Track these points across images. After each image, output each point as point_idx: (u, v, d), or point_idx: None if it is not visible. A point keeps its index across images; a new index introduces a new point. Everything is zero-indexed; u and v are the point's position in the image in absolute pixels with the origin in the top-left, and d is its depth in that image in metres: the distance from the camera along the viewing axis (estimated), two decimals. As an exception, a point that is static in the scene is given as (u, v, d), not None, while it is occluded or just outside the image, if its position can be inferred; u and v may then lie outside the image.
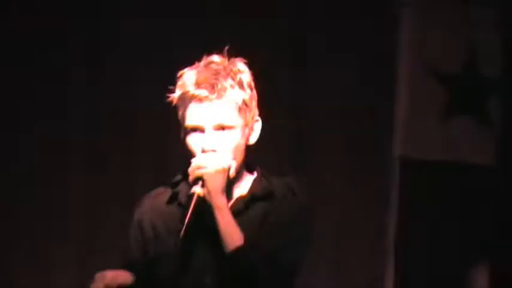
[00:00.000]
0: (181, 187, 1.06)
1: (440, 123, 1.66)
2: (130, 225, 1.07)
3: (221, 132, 1.06)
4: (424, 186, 1.81)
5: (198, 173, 1.03)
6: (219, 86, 1.05)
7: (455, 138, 1.72)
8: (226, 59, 1.08)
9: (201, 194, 1.00)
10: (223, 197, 1.02)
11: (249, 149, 1.09)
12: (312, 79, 1.85)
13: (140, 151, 1.87)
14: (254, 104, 1.09)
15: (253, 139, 1.10)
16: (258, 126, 1.09)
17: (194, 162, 1.05)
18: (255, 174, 1.10)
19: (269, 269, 0.94)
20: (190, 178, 1.03)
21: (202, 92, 1.05)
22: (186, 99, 1.06)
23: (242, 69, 1.08)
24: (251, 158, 1.10)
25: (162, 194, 1.09)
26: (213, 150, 1.04)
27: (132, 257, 1.01)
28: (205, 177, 1.02)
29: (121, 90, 1.83)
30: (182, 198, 1.04)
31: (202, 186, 1.01)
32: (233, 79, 1.07)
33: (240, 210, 1.04)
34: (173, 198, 1.06)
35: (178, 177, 1.08)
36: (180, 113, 1.07)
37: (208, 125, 1.06)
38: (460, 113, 1.71)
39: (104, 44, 1.86)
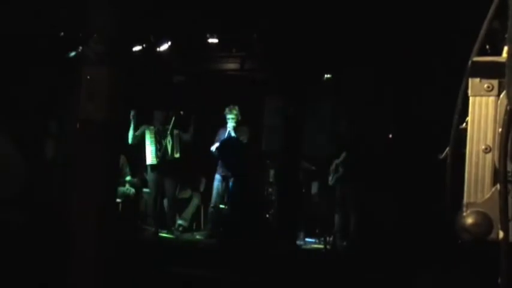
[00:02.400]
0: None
1: None
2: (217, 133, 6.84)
3: (233, 119, 6.60)
4: None
5: (229, 126, 6.33)
6: (232, 110, 6.54)
7: None
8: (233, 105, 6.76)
9: (230, 129, 6.36)
10: (233, 130, 6.31)
11: (238, 121, 6.65)
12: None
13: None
14: (239, 113, 6.66)
15: (239, 119, 6.53)
16: (240, 117, 6.34)
17: (228, 124, 6.33)
18: (239, 126, 6.60)
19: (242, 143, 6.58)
20: (228, 127, 6.37)
21: (228, 111, 6.55)
22: (227, 112, 6.60)
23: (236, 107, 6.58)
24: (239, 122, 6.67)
25: (222, 128, 6.45)
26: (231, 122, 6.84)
27: (217, 139, 6.40)
28: (230, 126, 6.26)
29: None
30: (227, 129, 6.73)
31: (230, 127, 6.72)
32: (235, 109, 6.48)
33: (236, 132, 6.33)
34: (225, 130, 6.49)
35: (226, 126, 6.82)
36: (226, 115, 6.61)
37: (230, 117, 6.57)
38: None
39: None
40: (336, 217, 6.71)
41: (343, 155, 6.74)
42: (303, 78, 7.00)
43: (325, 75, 7.32)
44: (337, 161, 6.79)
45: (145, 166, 6.67)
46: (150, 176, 6.63)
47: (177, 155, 6.76)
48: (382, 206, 6.28)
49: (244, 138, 6.64)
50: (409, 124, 6.65)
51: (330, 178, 6.88)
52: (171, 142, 6.59)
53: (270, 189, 7.22)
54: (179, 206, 7.13)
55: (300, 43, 6.42)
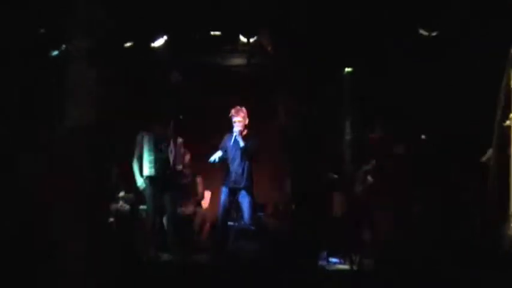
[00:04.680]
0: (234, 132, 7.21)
1: None
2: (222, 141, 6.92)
3: (240, 122, 6.71)
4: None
5: (235, 130, 6.52)
6: (240, 113, 6.69)
7: None
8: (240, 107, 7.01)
9: (236, 134, 6.51)
10: (240, 135, 6.44)
11: (245, 125, 6.81)
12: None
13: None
14: (246, 115, 6.93)
15: (246, 123, 6.69)
16: (247, 120, 6.70)
17: (234, 128, 6.51)
18: (247, 130, 6.58)
19: (249, 149, 6.27)
20: (234, 132, 6.54)
21: (235, 114, 6.73)
22: (232, 115, 6.85)
23: (243, 109, 6.96)
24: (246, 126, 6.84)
25: (228, 134, 6.58)
26: (238, 126, 6.97)
27: (221, 146, 6.55)
28: (236, 131, 6.39)
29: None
30: (233, 134, 6.89)
31: (236, 132, 6.80)
32: (242, 111, 6.70)
33: (244, 137, 6.41)
34: (231, 135, 6.70)
35: (232, 130, 7.01)
36: (232, 117, 6.90)
37: (237, 120, 6.65)
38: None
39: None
40: (364, 233, 6.57)
41: (372, 161, 6.59)
42: (320, 73, 6.88)
43: (346, 69, 7.09)
44: (365, 168, 6.64)
45: (143, 179, 6.49)
46: (147, 190, 6.40)
47: (179, 167, 6.67)
48: (419, 220, 6.17)
49: (253, 144, 6.45)
50: (446, 123, 6.54)
51: (357, 188, 6.74)
52: (173, 152, 6.47)
53: (285, 202, 7.10)
54: (181, 224, 6.97)
55: (316, 31, 6.33)
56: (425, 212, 6.06)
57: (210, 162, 6.43)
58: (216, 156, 6.50)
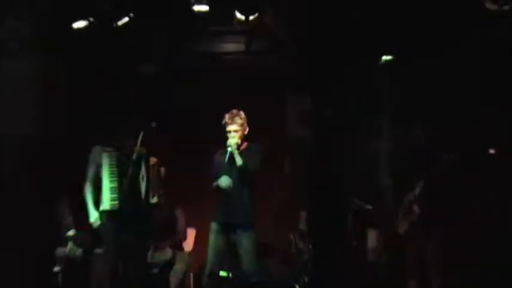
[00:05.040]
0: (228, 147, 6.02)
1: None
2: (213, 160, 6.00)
3: (236, 132, 5.91)
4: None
5: (230, 143, 5.83)
6: (236, 119, 5.93)
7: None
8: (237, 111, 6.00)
9: (231, 149, 5.79)
10: (236, 150, 5.81)
11: (245, 135, 5.93)
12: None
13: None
14: (245, 122, 6.01)
15: (245, 133, 5.93)
16: (247, 129, 5.96)
17: (228, 140, 5.86)
18: (246, 142, 5.87)
19: (248, 169, 5.74)
20: (228, 145, 5.84)
21: (230, 121, 5.92)
22: (226, 122, 5.96)
23: (242, 114, 5.99)
24: (245, 137, 5.91)
25: (220, 151, 5.87)
26: (233, 138, 6.01)
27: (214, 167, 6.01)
28: (231, 144, 5.79)
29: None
30: (227, 149, 5.91)
31: (231, 146, 5.87)
32: (241, 116, 5.95)
33: (242, 152, 5.79)
34: (225, 150, 5.87)
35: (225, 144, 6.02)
36: (225, 126, 5.95)
37: (232, 130, 5.93)
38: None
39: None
40: (410, 285, 6.28)
41: (421, 183, 6.19)
42: (346, 63, 6.37)
43: (383, 57, 6.59)
44: (411, 195, 6.32)
45: (100, 213, 6.15)
46: (106, 228, 6.10)
47: (153, 200, 6.38)
48: (487, 267, 6.02)
49: (255, 162, 5.90)
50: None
51: (399, 223, 6.44)
52: (144, 177, 6.24)
53: (300, 243, 6.79)
54: (154, 275, 6.79)
55: (343, 2, 5.95)
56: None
57: (214, 187, 5.98)
58: (220, 182, 5.91)
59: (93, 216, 6.18)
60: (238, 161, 5.93)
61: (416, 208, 6.19)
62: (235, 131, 5.95)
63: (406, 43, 6.26)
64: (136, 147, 6.15)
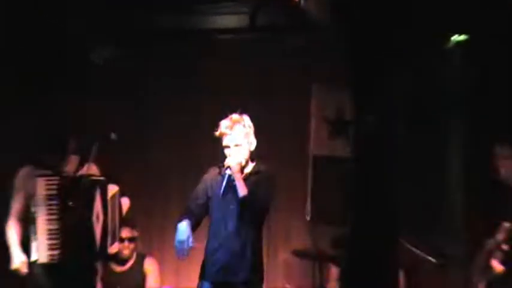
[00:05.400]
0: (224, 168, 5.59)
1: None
2: (200, 181, 5.75)
3: (237, 147, 5.65)
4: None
5: (228, 163, 5.56)
6: (235, 127, 5.75)
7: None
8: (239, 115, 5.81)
9: (230, 172, 5.56)
10: (239, 173, 5.58)
11: (251, 152, 5.72)
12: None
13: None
14: (252, 132, 5.78)
15: (252, 148, 5.68)
16: (254, 142, 5.68)
17: (227, 160, 5.56)
18: (254, 162, 5.62)
19: (257, 203, 5.62)
20: (225, 166, 5.56)
21: (230, 132, 5.72)
22: (222, 133, 5.71)
23: (246, 120, 5.77)
24: (252, 155, 5.71)
25: (214, 169, 5.71)
26: (234, 155, 5.65)
27: (195, 196, 5.79)
28: (231, 166, 5.53)
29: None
30: (223, 173, 5.62)
31: (230, 169, 5.59)
32: (243, 123, 5.77)
33: (247, 178, 5.59)
34: (220, 172, 5.61)
35: (222, 164, 5.64)
36: (222, 138, 5.70)
37: (231, 144, 5.68)
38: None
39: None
40: None
41: (507, 225, 5.98)
42: (403, 46, 5.90)
43: (455, 37, 6.35)
44: (492, 242, 6.30)
45: (30, 266, 6.15)
46: (40, 283, 6.23)
47: (113, 247, 6.38)
48: None
49: (264, 193, 5.60)
50: None
51: (477, 279, 6.30)
52: (100, 216, 6.18)
53: None
54: None
55: None
56: None
57: (179, 257, 5.76)
58: (186, 238, 5.67)
59: (19, 258, 6.14)
60: (241, 191, 5.47)
61: (496, 265, 6.19)
62: (236, 145, 5.51)
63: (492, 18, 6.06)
64: (87, 167, 6.14)
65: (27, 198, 6.23)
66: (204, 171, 5.83)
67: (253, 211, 5.63)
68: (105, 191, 6.29)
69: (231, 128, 5.63)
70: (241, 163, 5.61)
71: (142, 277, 7.38)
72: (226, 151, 5.64)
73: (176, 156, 7.38)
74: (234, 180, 5.60)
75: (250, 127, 5.74)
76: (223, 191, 5.59)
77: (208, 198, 5.77)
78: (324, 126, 7.10)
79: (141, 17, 6.92)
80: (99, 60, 7.17)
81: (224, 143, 5.62)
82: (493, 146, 6.56)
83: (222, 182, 5.58)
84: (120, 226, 6.63)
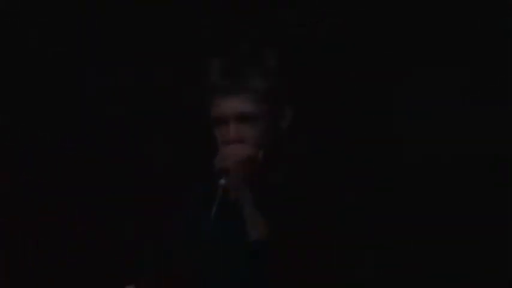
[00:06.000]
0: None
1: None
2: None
3: (245, 122, 2.16)
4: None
5: (221, 165, 2.11)
6: (243, 74, 2.15)
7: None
8: (252, 44, 2.19)
9: (225, 183, 2.13)
10: (246, 188, 2.13)
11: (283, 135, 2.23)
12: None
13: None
14: (280, 86, 2.21)
15: (284, 127, 2.22)
16: (289, 112, 2.20)
17: (219, 154, 2.12)
18: (273, 172, 2.18)
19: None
20: (216, 170, 2.12)
21: (226, 82, 2.16)
22: (210, 89, 2.18)
23: (267, 55, 2.17)
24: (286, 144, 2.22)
25: (199, 185, 2.30)
26: (238, 141, 2.17)
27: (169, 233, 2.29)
28: (228, 168, 2.12)
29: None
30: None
31: (226, 176, 2.11)
32: (257, 66, 2.15)
33: (270, 194, 2.13)
34: (210, 191, 2.23)
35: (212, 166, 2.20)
36: (206, 103, 2.17)
37: (231, 115, 2.15)
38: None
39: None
40: None
41: None
42: None
43: None
44: None
45: None
46: None
47: None
48: None
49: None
50: None
51: None
52: None
53: None
54: None
55: None
56: None
57: None
58: None
59: None
60: (252, 231, 2.57)
61: None
62: (239, 140, 2.57)
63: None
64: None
65: None
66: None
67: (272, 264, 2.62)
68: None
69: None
70: (249, 173, 2.52)
71: None
72: (222, 150, 2.57)
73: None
74: (236, 204, 2.50)
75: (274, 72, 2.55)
76: (214, 224, 2.56)
77: (193, 235, 2.81)
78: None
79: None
80: None
81: (219, 134, 2.58)
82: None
83: (212, 205, 2.55)
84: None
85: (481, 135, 4.25)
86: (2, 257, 3.86)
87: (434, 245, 4.13)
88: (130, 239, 3.99)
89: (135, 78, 4.16)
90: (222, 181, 2.19)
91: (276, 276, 2.34)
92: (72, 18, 4.06)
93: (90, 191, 4.06)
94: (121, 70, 4.17)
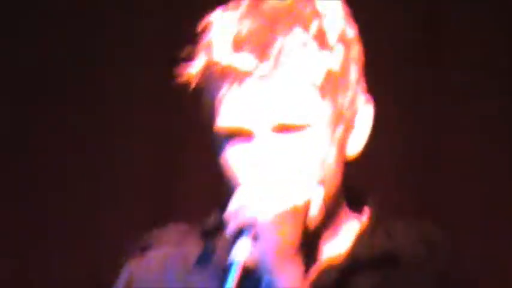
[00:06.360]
0: (220, 241, 1.18)
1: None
2: None
3: (287, 136, 1.13)
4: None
5: (243, 221, 1.10)
6: (279, 47, 1.11)
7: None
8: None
9: (249, 263, 1.07)
10: (291, 266, 1.10)
11: (350, 165, 1.19)
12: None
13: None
14: (355, 75, 1.14)
15: (358, 143, 1.18)
16: (366, 117, 1.16)
17: (236, 199, 1.11)
18: (364, 215, 1.21)
19: None
20: (229, 230, 1.10)
21: (246, 61, 1.09)
22: (215, 75, 1.11)
23: (325, 11, 1.13)
24: (356, 182, 1.22)
25: (184, 240, 1.23)
26: (274, 174, 1.12)
27: None
28: (257, 230, 1.09)
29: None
30: (221, 261, 1.15)
31: (253, 245, 1.08)
32: (308, 30, 1.11)
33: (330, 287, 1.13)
34: (205, 258, 1.20)
35: (215, 219, 1.21)
36: (205, 102, 1.15)
37: (260, 125, 1.12)
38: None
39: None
40: None
41: None
42: None
43: None
44: None
45: None
46: None
47: None
48: None
49: None
50: None
51: None
52: None
53: None
54: None
55: None
56: None
57: None
58: None
59: None
60: None
61: None
62: (276, 171, 1.32)
63: None
64: None
65: None
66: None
67: None
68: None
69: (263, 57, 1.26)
70: (304, 212, 1.26)
71: None
72: (233, 161, 1.30)
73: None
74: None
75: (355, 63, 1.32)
76: None
77: None
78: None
79: None
80: None
81: (222, 124, 1.32)
82: None
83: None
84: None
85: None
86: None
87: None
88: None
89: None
90: (243, 252, 1.13)
91: None
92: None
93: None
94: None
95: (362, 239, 1.21)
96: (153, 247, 1.26)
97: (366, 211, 1.23)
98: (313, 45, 1.14)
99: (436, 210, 1.98)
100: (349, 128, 1.18)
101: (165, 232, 1.26)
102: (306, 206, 1.12)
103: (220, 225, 1.17)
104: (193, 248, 1.23)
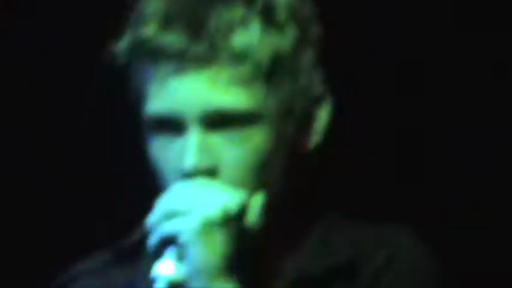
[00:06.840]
0: (145, 261, 1.07)
1: None
2: None
3: (223, 130, 1.02)
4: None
5: (165, 232, 1.01)
6: (215, 24, 1.02)
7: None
8: None
9: (176, 280, 1.00)
10: (228, 284, 1.02)
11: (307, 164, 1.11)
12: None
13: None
14: (310, 60, 1.05)
15: (313, 140, 1.07)
16: (324, 111, 1.06)
17: (158, 205, 1.01)
18: (323, 222, 1.13)
19: None
20: (150, 244, 1.01)
21: (177, 41, 1.01)
22: (142, 55, 1.02)
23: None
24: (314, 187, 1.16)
25: (109, 269, 1.15)
26: (208, 173, 1.03)
27: None
28: (186, 240, 1.00)
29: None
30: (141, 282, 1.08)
31: (178, 261, 1.00)
32: (251, 4, 1.02)
33: None
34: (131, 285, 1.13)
35: (138, 234, 1.12)
36: (132, 88, 1.08)
37: (192, 115, 1.02)
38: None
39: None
40: None
41: None
42: None
43: None
44: None
45: None
46: None
47: None
48: None
49: None
50: None
51: None
52: None
53: None
54: None
55: None
56: None
57: None
58: None
59: None
60: None
61: None
62: (210, 170, 1.23)
63: None
64: None
65: None
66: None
67: None
68: None
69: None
70: (240, 218, 1.12)
71: None
72: (160, 154, 1.16)
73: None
74: None
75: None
76: None
77: None
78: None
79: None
80: None
81: (151, 111, 1.16)
82: None
83: None
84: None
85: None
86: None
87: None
88: None
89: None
90: (168, 267, 1.02)
91: None
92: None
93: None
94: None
95: (323, 248, 1.14)
96: (77, 280, 1.18)
97: (326, 218, 1.16)
98: (257, 22, 1.02)
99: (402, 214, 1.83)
100: (301, 122, 1.05)
101: (89, 263, 1.17)
102: (241, 214, 1.00)
103: (144, 240, 1.05)
104: (118, 276, 1.14)
